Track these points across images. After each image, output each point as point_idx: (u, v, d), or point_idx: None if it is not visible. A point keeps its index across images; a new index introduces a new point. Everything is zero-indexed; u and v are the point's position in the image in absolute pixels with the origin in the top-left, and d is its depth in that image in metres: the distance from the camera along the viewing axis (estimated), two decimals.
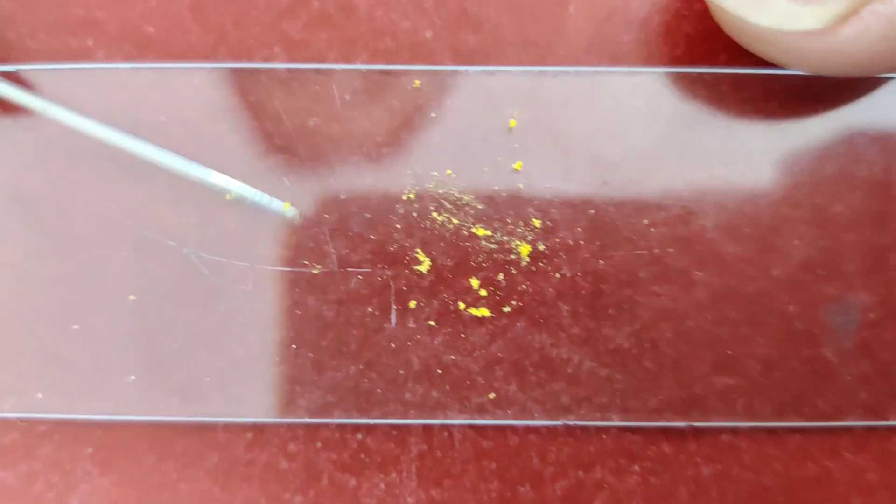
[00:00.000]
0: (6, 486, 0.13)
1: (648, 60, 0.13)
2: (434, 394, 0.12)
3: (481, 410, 0.12)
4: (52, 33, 0.13)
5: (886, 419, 0.13)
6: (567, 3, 0.13)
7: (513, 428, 0.13)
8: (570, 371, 0.12)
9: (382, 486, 0.13)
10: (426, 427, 0.13)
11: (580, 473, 0.13)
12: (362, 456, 0.13)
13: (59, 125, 0.12)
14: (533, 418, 0.12)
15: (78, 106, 0.12)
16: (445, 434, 0.13)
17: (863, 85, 0.12)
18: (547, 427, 0.13)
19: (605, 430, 0.13)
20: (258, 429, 0.13)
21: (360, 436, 0.13)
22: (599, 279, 0.12)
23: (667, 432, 0.13)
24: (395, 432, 0.13)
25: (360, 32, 0.13)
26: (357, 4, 0.13)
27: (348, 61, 0.13)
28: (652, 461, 0.13)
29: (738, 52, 0.12)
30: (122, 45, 0.13)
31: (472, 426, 0.13)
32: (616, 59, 0.13)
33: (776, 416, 0.12)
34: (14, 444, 0.13)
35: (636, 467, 0.13)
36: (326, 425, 0.13)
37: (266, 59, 0.13)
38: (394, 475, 0.13)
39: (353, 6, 0.13)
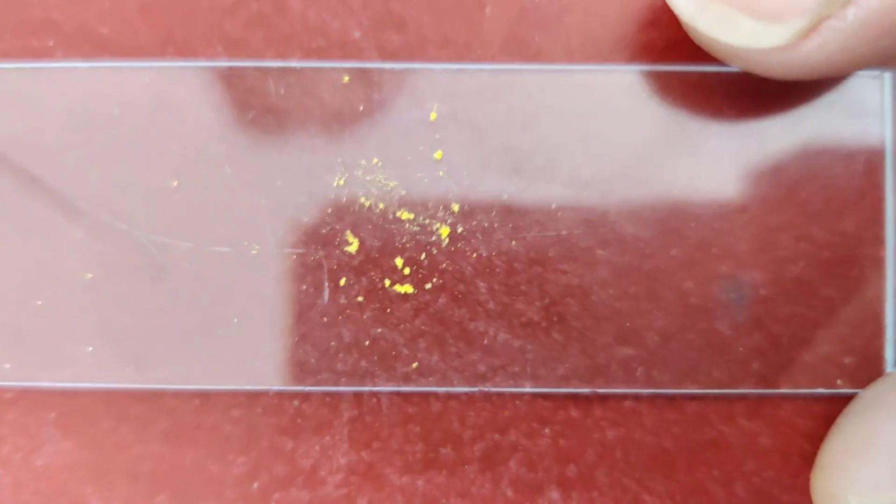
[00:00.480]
0: None
1: (558, 58, 0.14)
2: (363, 364, 0.14)
3: (406, 379, 0.14)
4: (15, 34, 0.14)
5: (778, 388, 0.14)
6: (484, 4, 0.14)
7: (435, 395, 0.14)
8: (486, 342, 0.14)
9: (317, 447, 0.14)
10: (356, 394, 0.14)
11: (496, 436, 0.14)
12: (298, 421, 0.14)
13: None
14: (453, 385, 0.14)
15: (39, 99, 0.14)
16: (374, 401, 0.14)
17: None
18: (466, 394, 0.14)
19: (519, 396, 0.14)
20: (204, 396, 0.14)
21: (296, 402, 0.14)
22: (512, 258, 0.14)
23: (574, 398, 0.14)
24: (328, 399, 0.14)
25: (294, 31, 0.14)
26: (291, 6, 0.14)
27: (283, 58, 0.14)
28: (561, 425, 0.14)
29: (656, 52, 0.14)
30: (79, 45, 0.14)
31: (397, 393, 0.14)
32: (527, 56, 0.14)
33: (674, 384, 0.14)
34: None
35: (547, 430, 0.14)
36: (266, 392, 0.14)
37: (209, 57, 0.14)
38: (327, 438, 0.14)
39: (287, 7, 0.14)
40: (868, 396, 0.12)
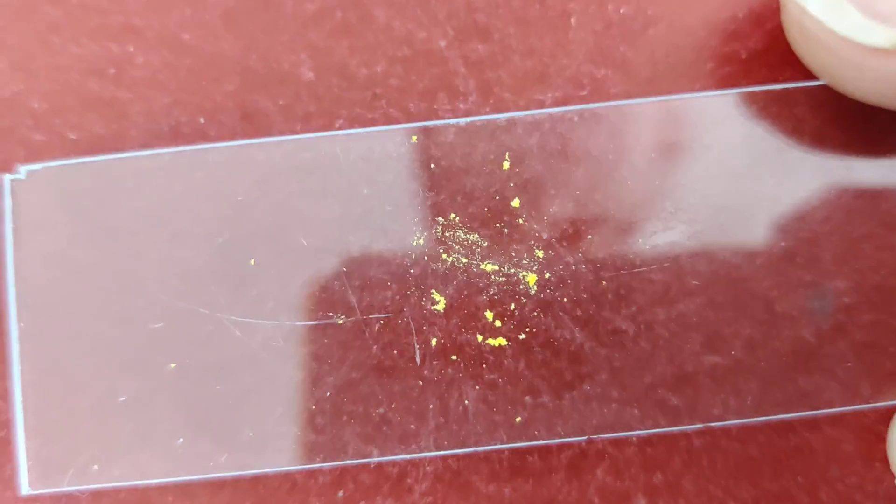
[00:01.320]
0: None
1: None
2: (455, 427, 0.13)
3: (510, 435, 0.14)
4: (93, 39, 0.14)
5: (870, 403, 0.14)
6: (569, 14, 0.14)
7: (522, 403, 0.14)
8: (586, 385, 0.14)
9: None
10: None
11: (583, 444, 0.14)
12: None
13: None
14: (559, 435, 0.14)
15: (113, 187, 0.14)
16: (460, 409, 0.14)
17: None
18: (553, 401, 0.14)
19: (607, 404, 0.14)
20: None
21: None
22: (601, 297, 0.14)
23: (661, 407, 0.14)
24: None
25: (378, 41, 0.14)
26: (377, 15, 0.14)
27: (368, 67, 0.14)
28: (648, 433, 0.14)
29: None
30: (160, 50, 0.14)
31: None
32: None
33: (761, 394, 0.14)
34: None
35: (633, 438, 0.14)
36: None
37: (293, 65, 0.14)
38: (412, 445, 0.14)
39: (372, 17, 0.14)
40: None
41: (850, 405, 0.14)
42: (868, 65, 0.11)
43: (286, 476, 0.14)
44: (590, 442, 0.14)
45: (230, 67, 0.14)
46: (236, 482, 0.14)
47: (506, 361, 0.13)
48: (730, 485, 0.14)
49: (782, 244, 0.14)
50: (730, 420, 0.13)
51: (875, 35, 0.11)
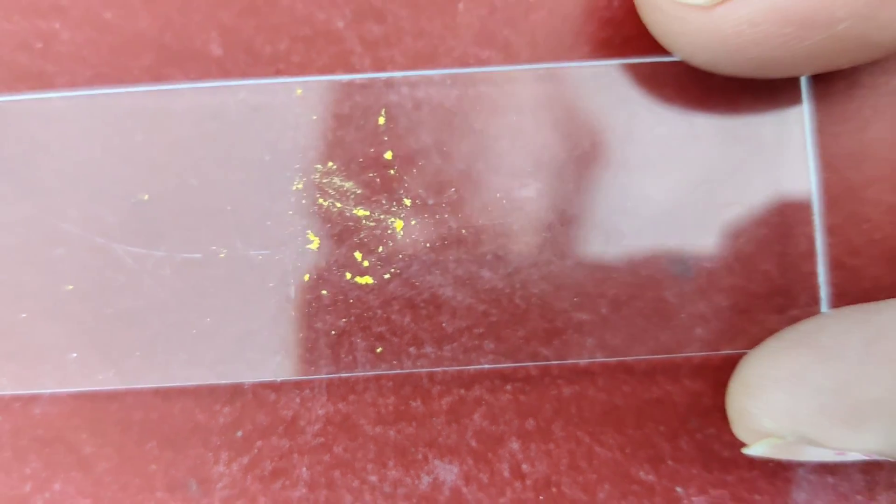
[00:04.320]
0: None
1: (523, 55, 0.15)
2: (328, 352, 0.15)
3: (375, 362, 0.15)
4: (24, 17, 0.16)
5: (719, 350, 0.15)
6: (457, 0, 0.15)
7: (407, 353, 0.15)
8: (451, 307, 0.15)
9: (297, 399, 0.15)
10: (335, 353, 0.15)
11: (462, 391, 0.15)
12: (279, 378, 0.15)
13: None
14: (423, 349, 0.15)
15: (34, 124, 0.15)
16: (350, 358, 0.15)
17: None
18: (434, 353, 0.15)
19: (483, 355, 0.15)
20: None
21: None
22: (462, 242, 0.15)
23: (534, 358, 0.15)
24: (308, 355, 0.15)
25: (282, 21, 0.15)
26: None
27: (272, 44, 0.15)
28: (521, 381, 0.15)
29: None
30: (83, 28, 0.16)
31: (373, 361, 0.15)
32: (496, 51, 0.15)
33: (625, 349, 0.15)
34: None
35: (508, 387, 0.15)
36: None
37: (205, 43, 0.15)
38: (307, 391, 0.15)
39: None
40: (803, 331, 0.14)
41: (707, 352, 0.15)
42: (692, 22, 0.13)
43: (188, 416, 0.15)
44: (468, 388, 0.15)
45: (147, 44, 0.15)
46: (142, 423, 0.15)
47: (370, 298, 0.15)
48: (596, 431, 0.15)
49: (648, 212, 0.15)
50: (596, 358, 0.15)
51: None
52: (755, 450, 0.14)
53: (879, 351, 0.13)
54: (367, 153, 0.15)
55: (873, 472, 0.15)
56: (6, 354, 0.15)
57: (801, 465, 0.15)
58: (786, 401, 0.13)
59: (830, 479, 0.15)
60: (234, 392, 0.15)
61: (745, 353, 0.14)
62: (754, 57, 0.13)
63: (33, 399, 0.15)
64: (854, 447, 0.13)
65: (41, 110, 0.15)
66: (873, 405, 0.12)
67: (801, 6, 0.12)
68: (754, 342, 0.15)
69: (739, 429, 0.14)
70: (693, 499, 0.15)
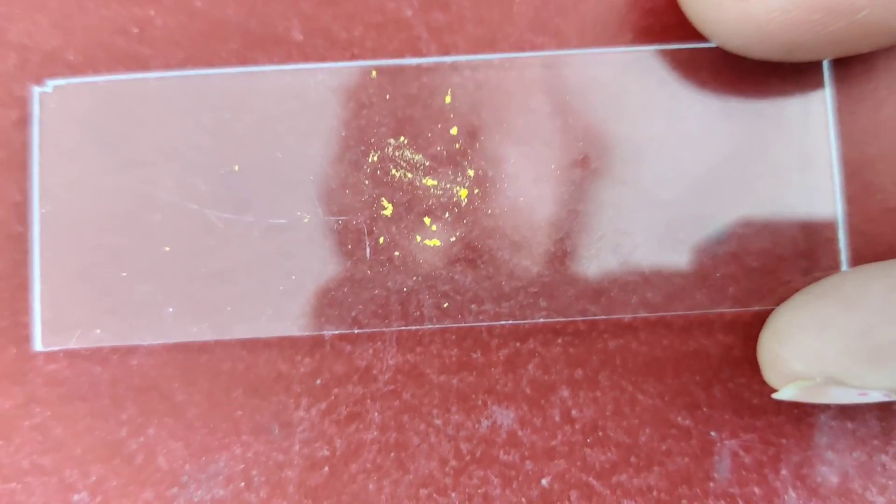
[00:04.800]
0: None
1: (559, 44, 0.17)
2: (399, 307, 0.17)
3: (441, 314, 0.17)
4: (121, 4, 0.17)
5: (749, 307, 0.17)
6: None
7: (468, 309, 0.17)
8: (509, 269, 0.17)
9: (370, 350, 0.17)
10: (404, 309, 0.17)
11: (517, 344, 0.17)
12: (356, 330, 0.17)
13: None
14: (483, 306, 0.17)
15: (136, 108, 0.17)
16: (418, 313, 0.17)
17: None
18: (493, 309, 0.17)
19: (537, 311, 0.17)
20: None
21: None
22: (523, 213, 0.17)
23: (583, 314, 0.17)
24: (381, 310, 0.17)
25: (357, 10, 0.17)
26: None
27: (348, 32, 0.17)
28: (571, 335, 0.17)
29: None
30: (176, 14, 0.17)
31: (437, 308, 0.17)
32: (548, 37, 0.17)
33: (665, 306, 0.17)
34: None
35: (559, 340, 0.17)
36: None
37: (286, 30, 0.17)
38: (379, 343, 0.17)
39: None
40: (827, 284, 0.15)
41: (739, 308, 0.17)
42: (729, 10, 0.14)
43: (272, 366, 0.17)
44: (523, 342, 0.17)
45: (234, 30, 0.17)
46: (230, 373, 0.17)
47: (436, 259, 0.16)
48: (638, 380, 0.17)
49: (687, 182, 0.17)
50: (639, 313, 0.16)
51: None
52: (785, 393, 0.15)
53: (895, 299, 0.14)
54: (435, 129, 0.17)
55: (889, 418, 0.17)
56: (107, 310, 0.17)
57: (823, 411, 0.17)
58: (813, 345, 0.15)
59: (850, 425, 0.17)
60: (314, 344, 0.17)
61: (773, 310, 0.16)
62: (784, 42, 0.15)
63: (130, 351, 0.17)
64: (875, 385, 0.14)
65: (138, 90, 0.17)
66: (892, 346, 0.14)
67: None
68: (781, 300, 0.16)
69: (771, 373, 0.15)
70: (725, 442, 0.17)
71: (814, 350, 0.15)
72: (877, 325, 0.14)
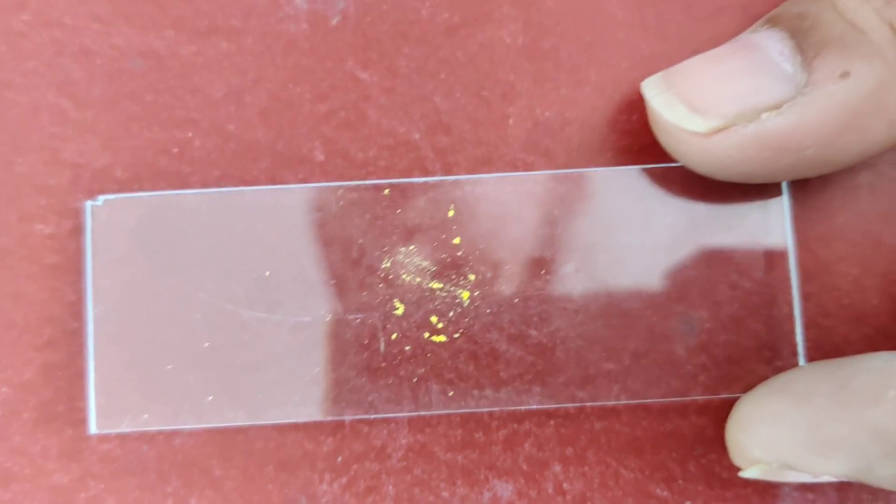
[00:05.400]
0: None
1: (561, 160, 0.19)
2: (410, 393, 0.19)
3: (447, 402, 0.19)
4: (163, 128, 0.20)
5: (719, 394, 0.19)
6: (507, 115, 0.19)
7: (472, 395, 0.19)
8: (506, 360, 0.19)
9: (385, 432, 0.19)
10: (415, 395, 0.19)
11: (515, 425, 0.19)
12: (372, 415, 0.19)
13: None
14: (484, 392, 0.19)
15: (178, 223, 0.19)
16: (427, 399, 0.19)
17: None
18: (493, 395, 0.19)
19: (532, 397, 0.19)
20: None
21: (370, 397, 0.19)
22: (518, 310, 0.19)
23: (572, 399, 0.19)
24: (394, 397, 0.19)
25: (371, 133, 0.19)
26: (370, 115, 0.19)
27: (363, 152, 0.19)
28: (562, 418, 0.19)
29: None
30: (212, 136, 0.20)
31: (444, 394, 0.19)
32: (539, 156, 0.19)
33: (644, 392, 0.19)
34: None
35: (552, 422, 0.19)
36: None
37: (310, 151, 0.19)
38: (392, 425, 0.19)
39: (367, 116, 0.19)
40: (782, 380, 0.17)
41: (709, 395, 0.19)
42: (693, 144, 0.17)
43: (299, 445, 0.19)
44: (520, 423, 0.19)
45: (263, 151, 0.19)
46: (262, 451, 0.19)
47: (443, 352, 0.19)
48: (622, 457, 0.19)
49: (661, 283, 0.19)
50: (622, 399, 0.19)
51: (694, 123, 0.16)
52: (748, 473, 0.17)
53: (842, 398, 0.16)
54: (440, 238, 0.19)
55: (845, 490, 0.19)
56: (154, 397, 0.19)
57: (786, 484, 0.19)
58: (771, 435, 0.17)
59: (810, 496, 0.19)
60: (336, 426, 0.19)
61: (739, 397, 0.18)
62: (742, 172, 0.17)
63: (174, 433, 0.19)
64: (825, 472, 0.16)
65: (179, 204, 0.19)
66: (838, 440, 0.16)
67: (776, 137, 0.16)
68: (747, 387, 0.19)
69: (736, 457, 0.18)
70: None
71: (771, 440, 0.17)
72: (824, 422, 0.16)
